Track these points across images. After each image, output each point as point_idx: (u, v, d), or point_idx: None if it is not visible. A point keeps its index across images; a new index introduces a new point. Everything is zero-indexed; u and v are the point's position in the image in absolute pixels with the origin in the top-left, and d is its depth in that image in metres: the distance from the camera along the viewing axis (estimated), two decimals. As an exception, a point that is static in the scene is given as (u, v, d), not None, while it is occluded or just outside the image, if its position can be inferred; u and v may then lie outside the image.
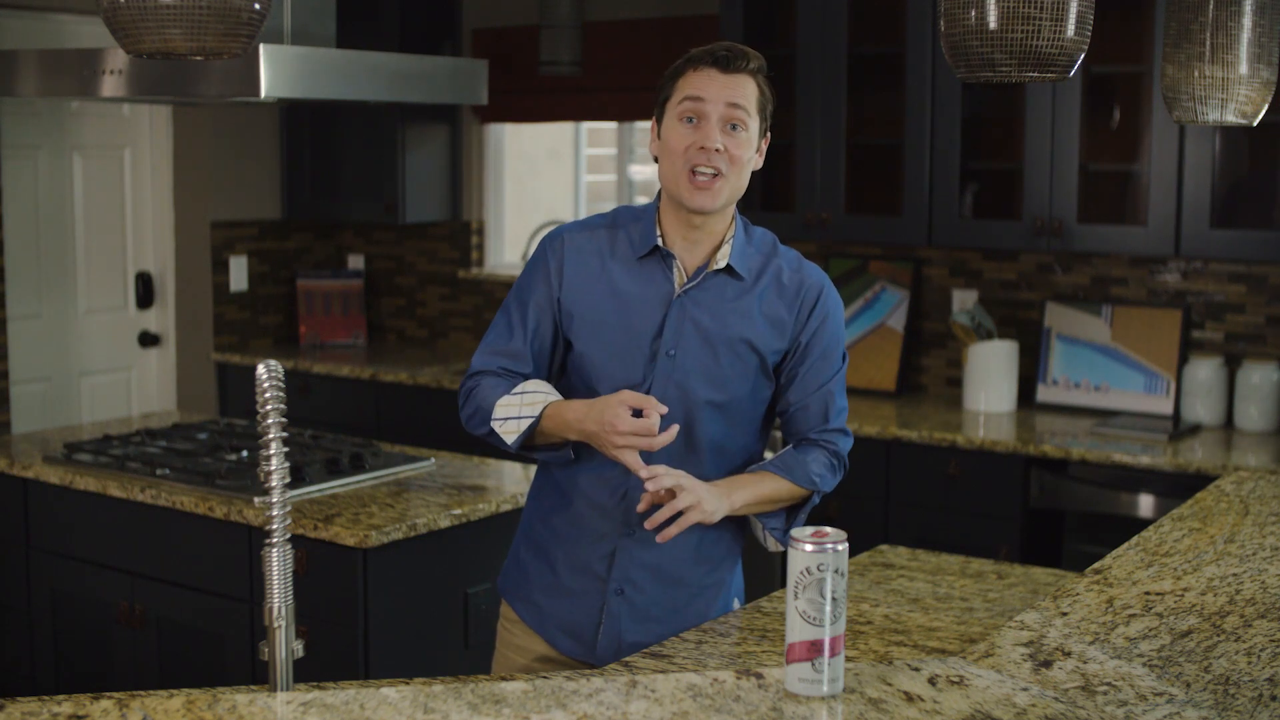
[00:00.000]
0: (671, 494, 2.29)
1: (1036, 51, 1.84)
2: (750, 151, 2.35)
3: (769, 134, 2.41)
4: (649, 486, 2.28)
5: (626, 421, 2.25)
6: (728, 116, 2.31)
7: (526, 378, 2.44)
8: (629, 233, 2.42)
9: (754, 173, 2.40)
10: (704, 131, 2.31)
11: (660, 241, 2.39)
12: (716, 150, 2.30)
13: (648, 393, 2.37)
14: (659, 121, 2.39)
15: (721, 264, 2.38)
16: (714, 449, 2.42)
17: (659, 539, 2.30)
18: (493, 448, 3.51)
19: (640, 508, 2.33)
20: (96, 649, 3.62)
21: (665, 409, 2.29)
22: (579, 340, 2.41)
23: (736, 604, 2.57)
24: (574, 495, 2.44)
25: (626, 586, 2.42)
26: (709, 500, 2.30)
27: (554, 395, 2.38)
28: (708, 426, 2.40)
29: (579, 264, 2.42)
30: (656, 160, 2.40)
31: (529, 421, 2.36)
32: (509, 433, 2.37)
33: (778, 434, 2.62)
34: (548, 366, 2.48)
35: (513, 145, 6.14)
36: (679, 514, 2.29)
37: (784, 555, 2.96)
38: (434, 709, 1.73)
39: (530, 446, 2.41)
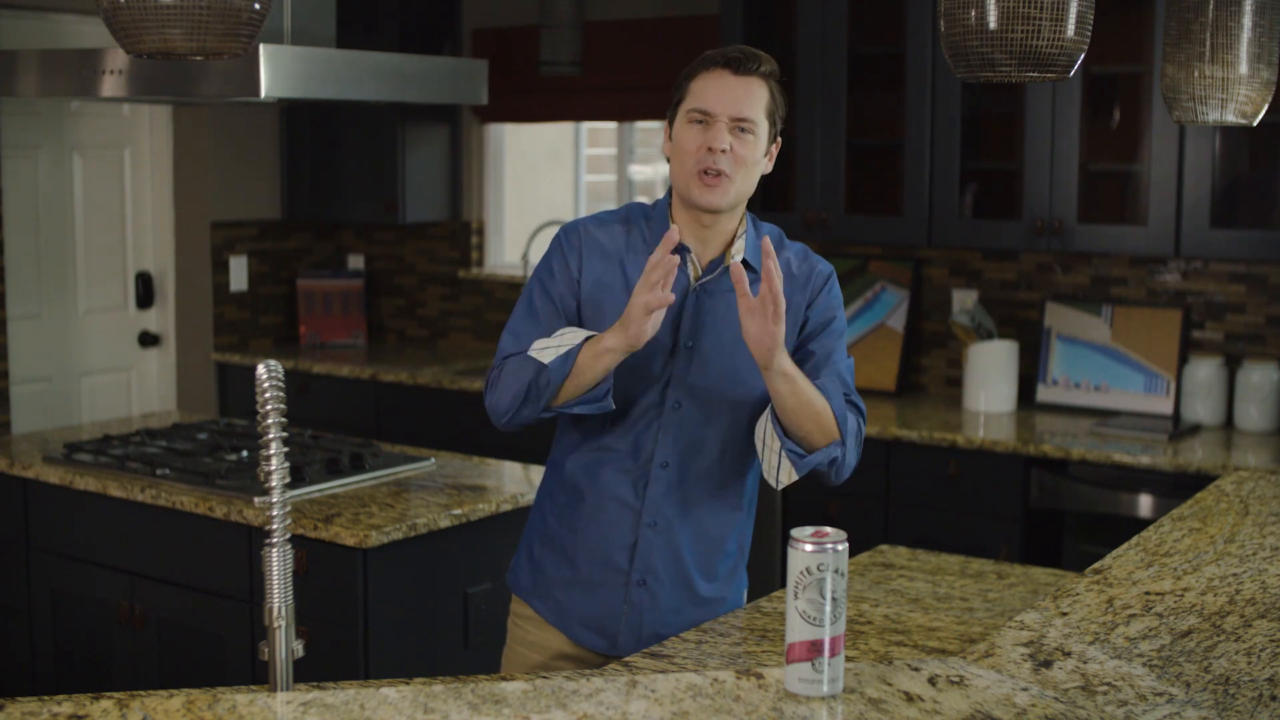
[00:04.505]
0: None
1: (1036, 51, 1.84)
2: (758, 154, 2.38)
3: (779, 139, 2.44)
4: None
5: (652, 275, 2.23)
6: (736, 119, 2.35)
7: None
8: (643, 228, 2.46)
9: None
10: (713, 133, 2.35)
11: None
12: (724, 151, 2.34)
13: (666, 385, 2.40)
14: (671, 124, 2.43)
15: (738, 258, 2.42)
16: (728, 439, 2.44)
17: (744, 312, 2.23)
18: (493, 448, 3.49)
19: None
20: (96, 649, 3.62)
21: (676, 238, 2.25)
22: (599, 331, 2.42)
23: (745, 597, 2.60)
24: (594, 490, 2.45)
25: (649, 577, 2.44)
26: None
27: (591, 334, 2.35)
28: (723, 416, 2.43)
29: (597, 256, 2.45)
30: (669, 160, 2.43)
31: (569, 348, 2.32)
32: (548, 355, 2.33)
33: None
34: None
35: (513, 145, 6.14)
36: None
37: (784, 555, 2.95)
38: (434, 709, 1.73)
39: (567, 402, 2.36)
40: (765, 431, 2.37)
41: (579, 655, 2.49)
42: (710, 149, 2.34)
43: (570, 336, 2.36)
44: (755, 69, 2.36)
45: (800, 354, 2.45)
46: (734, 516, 2.51)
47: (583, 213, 6.20)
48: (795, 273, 2.46)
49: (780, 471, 2.37)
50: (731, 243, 2.44)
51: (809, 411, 2.32)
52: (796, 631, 1.78)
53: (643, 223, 2.46)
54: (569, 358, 2.32)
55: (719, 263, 2.43)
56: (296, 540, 3.09)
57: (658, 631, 2.45)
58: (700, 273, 2.42)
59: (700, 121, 2.36)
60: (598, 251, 2.45)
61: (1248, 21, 2.47)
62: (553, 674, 1.86)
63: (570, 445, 2.50)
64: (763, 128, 2.37)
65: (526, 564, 2.56)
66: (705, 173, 2.35)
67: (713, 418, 2.42)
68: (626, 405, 2.42)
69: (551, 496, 2.53)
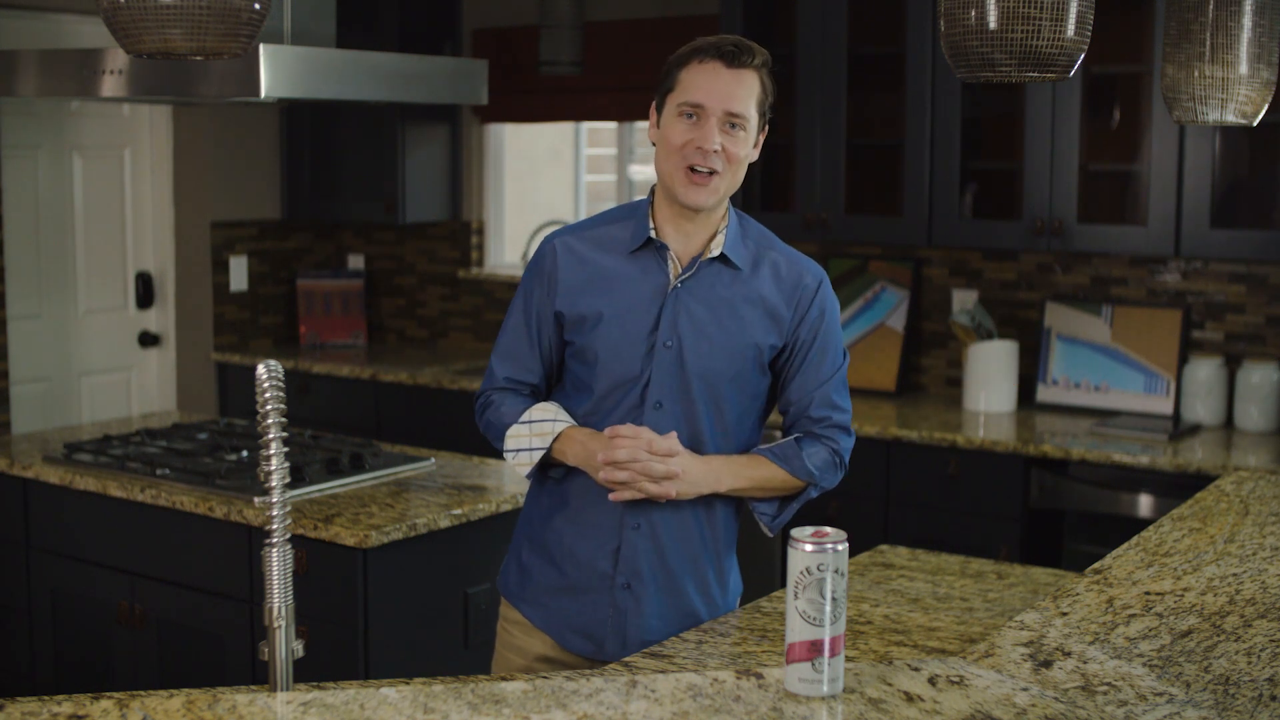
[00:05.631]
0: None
1: (1036, 51, 1.84)
2: (748, 149, 2.37)
3: (767, 127, 2.42)
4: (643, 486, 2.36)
5: (616, 455, 2.33)
6: (728, 117, 2.32)
7: (535, 388, 2.52)
8: (623, 228, 2.44)
9: (753, 171, 2.41)
10: (704, 131, 2.32)
11: (653, 233, 2.40)
12: (715, 151, 2.31)
13: (646, 385, 2.40)
14: (659, 110, 2.40)
15: (715, 252, 2.40)
16: (711, 440, 2.43)
17: (611, 497, 2.37)
18: (493, 448, 3.47)
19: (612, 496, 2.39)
20: (96, 649, 3.62)
21: (652, 441, 2.34)
22: (580, 336, 2.43)
23: (738, 600, 2.58)
24: (576, 494, 2.45)
25: (633, 581, 2.43)
26: (689, 481, 2.37)
27: (560, 421, 2.43)
28: (705, 418, 2.41)
29: (573, 268, 2.43)
30: (654, 145, 2.41)
31: (539, 453, 2.44)
32: (521, 465, 2.47)
33: (776, 434, 2.62)
34: (554, 367, 2.53)
35: (513, 145, 6.14)
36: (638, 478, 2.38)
37: (784, 555, 2.95)
38: (434, 709, 1.73)
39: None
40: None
41: (566, 660, 2.48)
42: (701, 148, 2.31)
43: (540, 429, 2.44)
44: (749, 62, 2.33)
45: (786, 368, 2.46)
46: (720, 516, 2.49)
47: (583, 212, 6.21)
48: (783, 275, 2.43)
49: (763, 528, 2.54)
50: (713, 236, 2.41)
51: (769, 489, 2.47)
52: (796, 631, 1.78)
53: (623, 221, 2.45)
54: (534, 458, 2.45)
55: (699, 259, 2.40)
56: (296, 540, 3.09)
57: (644, 638, 2.43)
58: (680, 269, 2.40)
59: (691, 115, 2.32)
60: (572, 262, 2.44)
61: (1248, 21, 2.47)
62: (551, 674, 1.86)
63: None
64: (753, 122, 2.35)
65: (515, 568, 2.55)
66: (694, 170, 2.32)
67: (695, 417, 2.40)
68: (608, 406, 2.42)
69: (538, 500, 2.53)
